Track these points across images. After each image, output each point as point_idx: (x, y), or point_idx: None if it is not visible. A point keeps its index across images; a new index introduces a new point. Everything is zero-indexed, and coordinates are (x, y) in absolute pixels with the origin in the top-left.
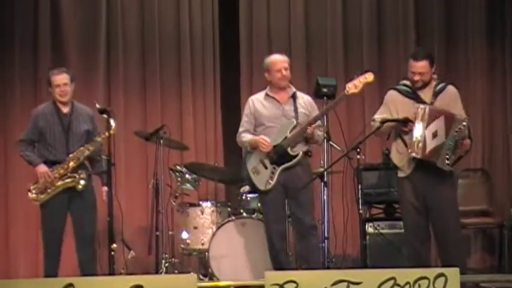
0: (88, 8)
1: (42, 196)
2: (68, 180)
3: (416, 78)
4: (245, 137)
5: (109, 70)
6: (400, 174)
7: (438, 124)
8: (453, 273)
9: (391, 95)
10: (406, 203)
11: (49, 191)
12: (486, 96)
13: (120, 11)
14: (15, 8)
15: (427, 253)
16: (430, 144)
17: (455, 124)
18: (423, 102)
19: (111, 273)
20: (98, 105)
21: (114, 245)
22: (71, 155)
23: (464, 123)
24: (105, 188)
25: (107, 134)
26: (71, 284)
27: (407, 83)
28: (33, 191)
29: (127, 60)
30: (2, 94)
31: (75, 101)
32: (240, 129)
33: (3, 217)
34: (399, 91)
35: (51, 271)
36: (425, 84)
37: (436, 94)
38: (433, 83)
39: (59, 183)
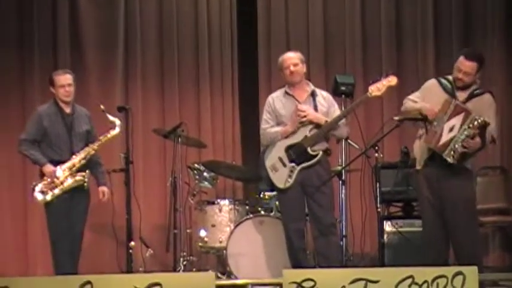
0: (106, 6)
1: (48, 196)
2: (75, 179)
3: (460, 76)
4: (273, 129)
5: (127, 68)
6: (417, 166)
7: (457, 119)
8: (471, 272)
9: (432, 83)
10: (424, 199)
11: (56, 190)
12: (505, 95)
13: (139, 8)
14: (34, 7)
15: (445, 250)
16: (444, 138)
17: (469, 119)
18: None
19: (129, 271)
20: (102, 106)
21: (133, 243)
22: (79, 154)
23: (478, 120)
24: (103, 189)
25: (112, 133)
26: (88, 282)
27: (451, 78)
28: (37, 190)
29: (145, 58)
30: (22, 94)
31: (74, 102)
32: (265, 126)
33: (22, 216)
34: (440, 83)
35: (64, 269)
36: (465, 86)
37: (470, 97)
38: (473, 86)
39: (67, 182)
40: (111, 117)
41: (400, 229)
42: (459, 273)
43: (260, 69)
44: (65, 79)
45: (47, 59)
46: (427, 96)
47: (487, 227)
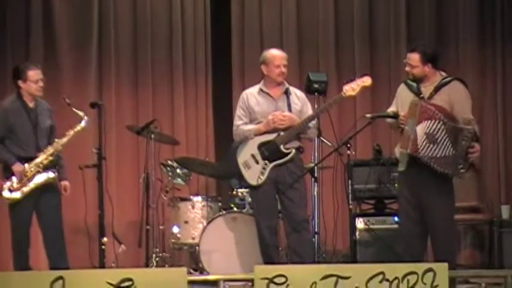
0: (80, 3)
1: (17, 194)
2: (48, 176)
3: (406, 68)
4: (246, 127)
5: (101, 64)
6: (399, 168)
7: (435, 127)
8: (441, 269)
9: (400, 88)
10: (401, 197)
11: (24, 189)
12: (477, 96)
13: (113, 6)
14: (7, 5)
15: (420, 248)
16: (424, 145)
17: (461, 134)
18: (421, 97)
19: (102, 266)
20: (67, 100)
21: (105, 239)
22: (47, 150)
23: (471, 131)
24: (65, 183)
25: (78, 127)
26: (60, 277)
27: None
28: (6, 189)
29: (119, 56)
30: None
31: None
32: (239, 122)
33: None
34: (407, 84)
35: (23, 265)
36: (420, 79)
37: (436, 89)
38: (437, 78)
39: (36, 180)
40: (77, 111)
41: (371, 226)
42: (429, 269)
43: (233, 67)
44: (38, 73)
45: (20, 57)
46: (400, 102)
47: (458, 225)
